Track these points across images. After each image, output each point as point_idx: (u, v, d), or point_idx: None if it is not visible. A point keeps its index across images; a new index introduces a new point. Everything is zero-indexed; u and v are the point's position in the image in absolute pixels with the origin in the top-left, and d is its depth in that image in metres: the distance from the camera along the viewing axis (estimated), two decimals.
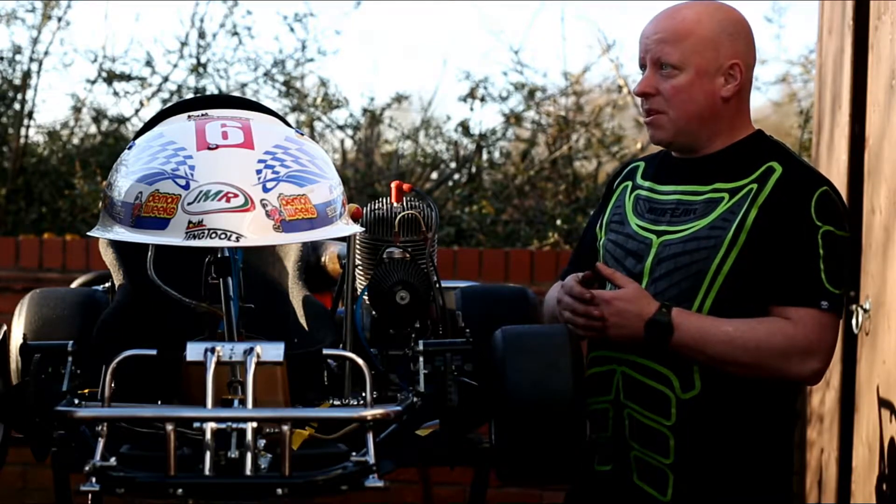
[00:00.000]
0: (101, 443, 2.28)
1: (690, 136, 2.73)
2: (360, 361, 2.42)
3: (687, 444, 2.66)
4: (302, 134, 2.63)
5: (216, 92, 6.81)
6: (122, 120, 6.94)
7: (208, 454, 2.22)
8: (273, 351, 2.33)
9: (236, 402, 2.29)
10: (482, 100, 6.75)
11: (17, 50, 6.75)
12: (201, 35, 6.94)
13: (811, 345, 2.61)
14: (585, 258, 2.87)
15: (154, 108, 6.83)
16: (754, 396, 2.67)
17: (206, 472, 2.21)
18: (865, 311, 3.47)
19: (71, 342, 2.64)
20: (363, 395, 2.40)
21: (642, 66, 2.74)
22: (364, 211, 2.80)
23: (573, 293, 2.67)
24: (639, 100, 2.84)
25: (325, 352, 2.53)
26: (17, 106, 6.72)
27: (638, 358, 2.69)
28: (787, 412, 2.74)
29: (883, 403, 3.22)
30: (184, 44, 6.91)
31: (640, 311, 2.62)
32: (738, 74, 2.70)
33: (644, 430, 2.68)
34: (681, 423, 2.66)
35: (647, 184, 2.80)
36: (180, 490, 2.22)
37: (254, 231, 2.33)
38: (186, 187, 2.35)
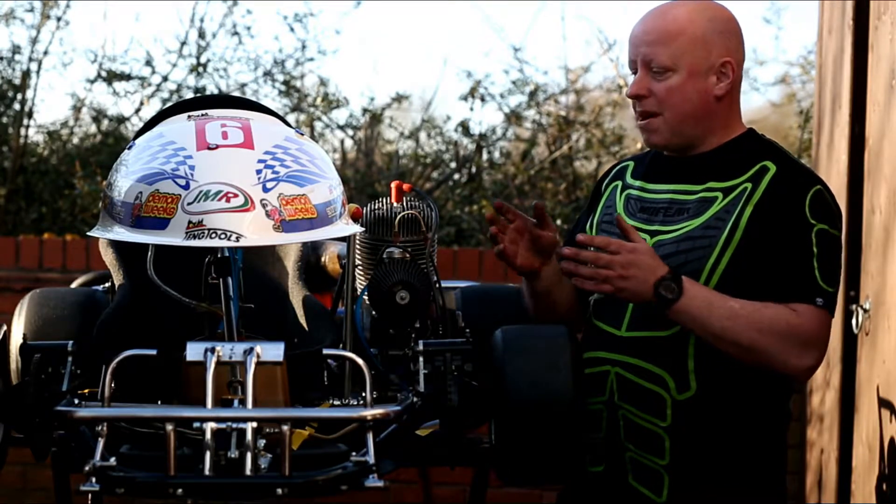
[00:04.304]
0: (101, 443, 2.28)
1: (686, 136, 2.72)
2: (360, 361, 2.42)
3: (682, 445, 2.65)
4: (302, 134, 2.63)
5: (216, 92, 6.82)
6: (121, 119, 6.95)
7: (208, 454, 2.22)
8: (273, 351, 2.33)
9: (236, 402, 2.29)
10: (482, 99, 6.76)
11: (17, 50, 6.76)
12: (201, 35, 6.95)
13: (811, 338, 2.60)
14: None
15: (154, 107, 6.83)
16: (749, 397, 2.66)
17: (206, 472, 2.21)
18: (865, 311, 3.47)
19: (71, 342, 2.64)
20: (363, 395, 2.39)
21: (633, 69, 2.73)
22: (364, 211, 2.80)
23: (594, 243, 2.59)
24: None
25: (325, 352, 2.53)
26: (16, 106, 6.72)
27: (632, 359, 2.68)
28: (782, 413, 2.74)
29: (883, 403, 3.22)
30: (183, 43, 6.92)
31: (653, 268, 2.57)
32: (731, 72, 2.69)
33: (639, 431, 2.68)
34: (676, 425, 2.65)
35: (637, 183, 2.79)
36: (180, 490, 2.22)
37: (254, 231, 2.33)
38: (186, 187, 2.35)
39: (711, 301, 2.58)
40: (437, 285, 2.80)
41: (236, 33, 6.98)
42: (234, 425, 2.24)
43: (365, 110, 6.96)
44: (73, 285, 3.53)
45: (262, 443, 2.25)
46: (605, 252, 2.58)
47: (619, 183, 2.83)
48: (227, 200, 2.33)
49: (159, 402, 2.46)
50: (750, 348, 2.59)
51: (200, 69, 6.92)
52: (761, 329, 2.57)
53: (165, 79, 6.93)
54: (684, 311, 2.58)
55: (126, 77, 6.89)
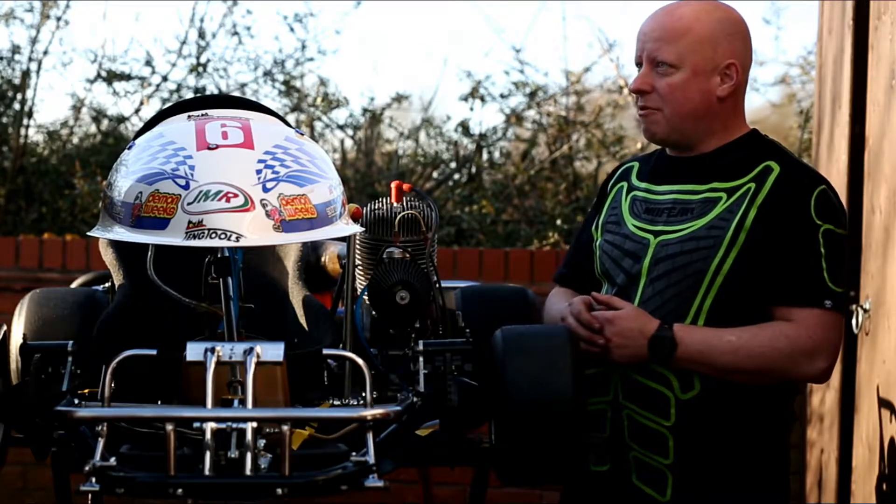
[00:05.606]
0: (101, 443, 2.28)
1: (684, 134, 2.73)
2: (360, 361, 2.42)
3: (686, 444, 2.66)
4: (302, 134, 2.63)
5: (216, 92, 6.82)
6: (121, 119, 6.95)
7: (208, 454, 2.22)
8: (273, 351, 2.33)
9: (236, 402, 2.29)
10: (482, 99, 6.75)
11: (16, 49, 6.76)
12: (201, 35, 6.95)
13: (816, 345, 2.61)
14: (581, 260, 2.87)
15: (154, 107, 6.83)
16: (752, 397, 2.67)
17: (206, 472, 2.21)
18: (865, 310, 3.47)
19: (71, 342, 2.64)
20: (363, 395, 2.39)
21: (638, 64, 2.74)
22: (364, 211, 2.80)
23: (581, 319, 2.67)
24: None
25: (325, 352, 2.53)
26: (16, 106, 6.72)
27: None
28: (785, 412, 2.74)
29: (883, 403, 3.22)
30: (183, 43, 6.92)
31: (641, 329, 2.62)
32: (735, 74, 2.70)
33: (643, 430, 2.68)
34: (680, 424, 2.65)
35: (643, 184, 2.80)
36: (180, 490, 2.22)
37: (254, 231, 2.33)
38: (186, 187, 2.35)
39: (708, 341, 2.61)
40: (437, 285, 2.80)
41: (236, 33, 6.98)
42: (234, 425, 2.24)
43: (365, 110, 6.96)
44: (73, 285, 3.53)
45: (262, 443, 2.25)
46: (591, 330, 2.65)
47: (625, 184, 2.83)
48: (227, 200, 2.33)
49: (159, 402, 2.46)
50: (758, 373, 2.62)
51: (200, 69, 6.92)
52: (763, 353, 2.60)
53: (165, 79, 6.93)
54: (685, 360, 2.61)
55: (126, 77, 6.89)
